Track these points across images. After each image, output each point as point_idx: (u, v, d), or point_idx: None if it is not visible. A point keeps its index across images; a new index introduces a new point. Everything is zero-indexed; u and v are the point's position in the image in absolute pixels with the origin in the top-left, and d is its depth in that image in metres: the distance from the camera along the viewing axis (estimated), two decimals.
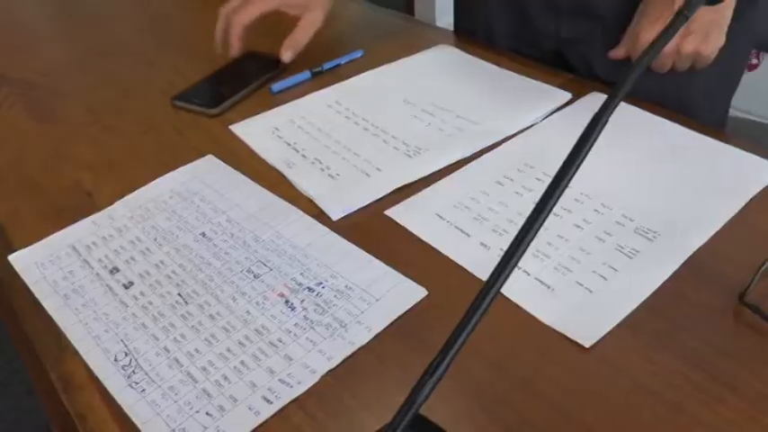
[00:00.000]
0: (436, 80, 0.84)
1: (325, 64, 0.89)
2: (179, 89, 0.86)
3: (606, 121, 0.32)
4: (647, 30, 0.75)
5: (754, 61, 2.14)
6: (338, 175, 0.69)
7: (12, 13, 1.25)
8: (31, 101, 0.90)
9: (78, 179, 0.72)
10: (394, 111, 0.79)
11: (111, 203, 0.67)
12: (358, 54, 0.92)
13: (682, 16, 0.34)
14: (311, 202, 0.65)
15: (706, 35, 0.73)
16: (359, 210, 0.64)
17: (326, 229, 0.61)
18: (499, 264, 0.31)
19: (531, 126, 0.73)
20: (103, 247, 0.62)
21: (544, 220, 0.32)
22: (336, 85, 0.85)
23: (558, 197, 0.31)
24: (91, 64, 0.99)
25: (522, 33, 0.91)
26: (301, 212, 0.64)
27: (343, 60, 0.90)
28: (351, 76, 0.87)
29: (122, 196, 0.68)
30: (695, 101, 0.84)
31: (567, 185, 0.31)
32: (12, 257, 0.61)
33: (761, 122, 1.40)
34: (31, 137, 0.81)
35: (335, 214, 0.63)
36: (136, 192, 0.69)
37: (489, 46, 0.93)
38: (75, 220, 0.65)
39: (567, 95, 0.78)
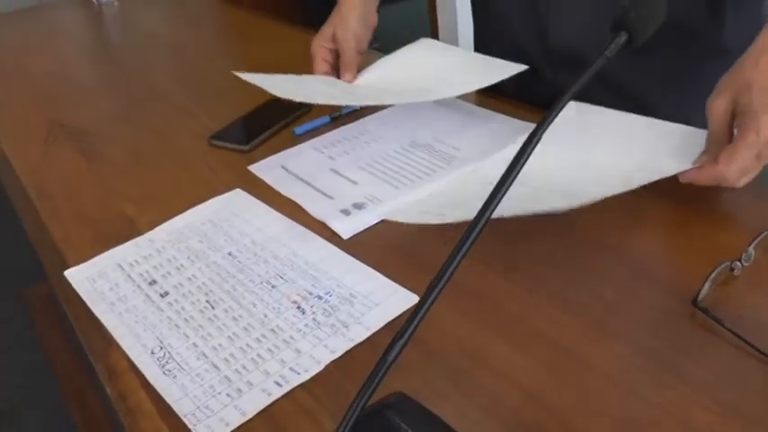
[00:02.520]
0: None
1: (343, 108, 1.00)
2: (211, 132, 0.97)
3: (539, 140, 0.41)
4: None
5: None
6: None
7: (70, 68, 1.39)
8: (84, 145, 1.01)
9: (122, 209, 0.83)
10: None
11: (151, 229, 0.77)
12: None
13: (602, 57, 0.42)
14: (324, 225, 0.74)
15: None
16: (365, 230, 0.73)
17: (336, 248, 0.70)
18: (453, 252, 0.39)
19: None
20: (144, 264, 0.71)
21: (488, 219, 0.40)
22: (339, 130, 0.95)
23: (499, 201, 0.40)
24: (134, 111, 1.11)
25: (526, 80, 0.99)
26: (315, 234, 0.73)
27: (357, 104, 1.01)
28: (368, 117, 0.97)
29: (161, 223, 0.78)
30: None
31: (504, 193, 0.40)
32: (67, 273, 0.71)
33: None
34: (83, 175, 0.93)
35: (345, 233, 0.72)
36: (173, 219, 0.79)
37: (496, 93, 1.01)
38: (119, 243, 0.75)
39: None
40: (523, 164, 0.40)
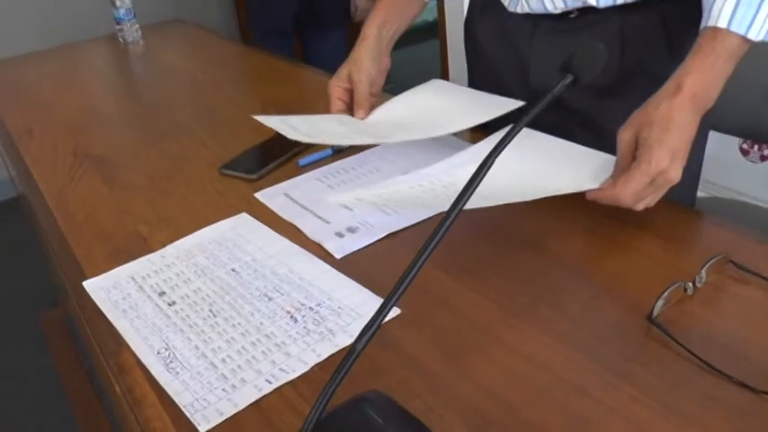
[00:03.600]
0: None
1: None
2: (222, 161, 1.05)
3: (492, 163, 0.48)
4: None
5: (766, 152, 2.26)
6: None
7: (96, 102, 1.49)
8: (104, 171, 1.10)
9: (138, 229, 0.90)
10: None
11: (162, 247, 0.85)
12: None
13: (550, 94, 0.50)
14: (320, 246, 0.81)
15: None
16: (356, 251, 0.80)
17: (329, 266, 0.77)
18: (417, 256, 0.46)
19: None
20: (155, 277, 0.79)
21: (447, 229, 0.47)
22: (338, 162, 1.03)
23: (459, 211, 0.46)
24: (151, 142, 1.20)
25: (513, 117, 1.06)
26: (310, 254, 0.80)
27: None
28: (365, 150, 1.05)
29: (172, 242, 0.86)
30: None
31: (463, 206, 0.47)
32: (85, 283, 0.79)
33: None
34: (103, 198, 1.01)
35: (337, 253, 0.79)
36: (183, 239, 0.86)
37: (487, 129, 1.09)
38: (133, 259, 0.83)
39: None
40: (479, 182, 0.47)
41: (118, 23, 1.91)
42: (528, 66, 1.00)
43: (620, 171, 0.75)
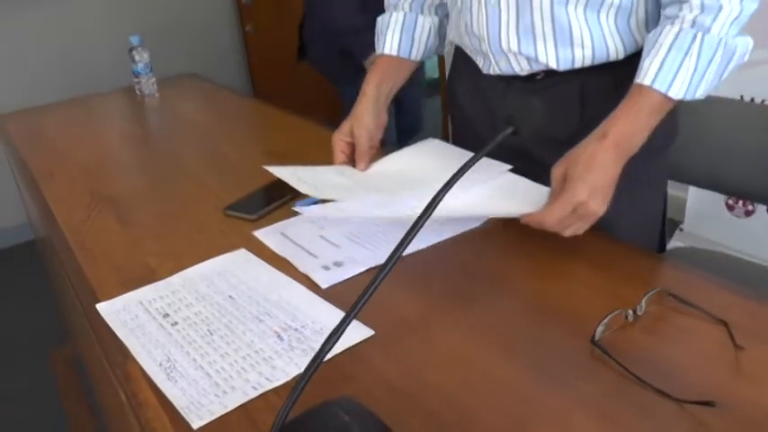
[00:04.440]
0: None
1: None
2: (226, 203, 1.15)
3: (442, 197, 0.58)
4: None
5: (750, 207, 2.35)
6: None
7: (112, 148, 1.61)
8: (118, 210, 1.20)
9: (146, 261, 1.00)
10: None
11: (168, 276, 0.95)
12: None
13: (492, 143, 0.60)
14: (308, 277, 0.91)
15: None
16: (340, 282, 0.89)
17: (315, 295, 0.87)
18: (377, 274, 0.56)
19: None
20: (160, 302, 0.88)
21: (401, 254, 0.57)
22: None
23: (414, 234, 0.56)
24: (162, 185, 1.31)
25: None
26: (299, 284, 0.89)
27: None
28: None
29: (177, 272, 0.95)
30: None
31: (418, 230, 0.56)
32: (98, 306, 0.88)
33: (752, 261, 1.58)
34: (116, 234, 1.11)
35: (323, 284, 0.88)
36: (187, 270, 0.96)
37: None
38: (141, 286, 0.93)
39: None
40: (432, 210, 0.57)
41: (136, 77, 2.05)
42: (495, 115, 1.12)
43: (551, 201, 0.88)
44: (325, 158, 1.21)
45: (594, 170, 0.85)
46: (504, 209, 0.95)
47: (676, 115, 1.06)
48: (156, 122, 1.93)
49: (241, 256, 0.99)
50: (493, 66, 1.07)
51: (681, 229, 2.57)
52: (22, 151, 1.64)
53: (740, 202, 2.37)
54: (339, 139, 1.19)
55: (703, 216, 2.50)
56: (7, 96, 3.03)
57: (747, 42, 0.90)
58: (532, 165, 1.03)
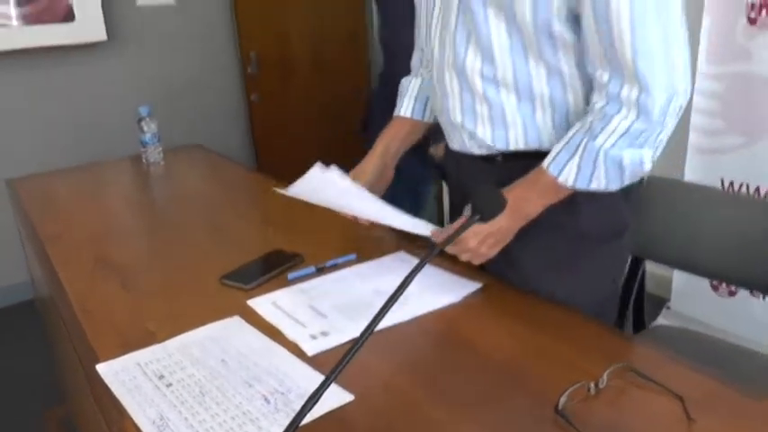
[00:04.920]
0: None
1: (327, 262, 1.25)
2: (223, 272, 1.22)
3: (410, 282, 0.65)
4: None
5: (733, 288, 2.42)
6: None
7: (117, 214, 1.69)
8: (121, 275, 1.27)
9: (146, 325, 1.07)
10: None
11: (166, 340, 1.01)
12: (352, 257, 1.27)
13: (462, 228, 0.67)
14: (294, 343, 0.97)
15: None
16: (326, 350, 0.95)
17: (301, 361, 0.93)
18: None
19: None
20: (156, 364, 0.94)
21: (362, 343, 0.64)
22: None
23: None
24: (164, 252, 1.39)
25: None
26: (287, 351, 0.96)
27: (340, 260, 1.26)
28: (343, 270, 1.22)
29: (174, 336, 1.02)
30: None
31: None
32: (98, 366, 0.94)
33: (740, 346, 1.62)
34: (118, 298, 1.18)
35: (309, 352, 0.95)
36: (183, 334, 1.02)
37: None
38: (140, 348, 0.99)
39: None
40: (398, 296, 0.64)
41: (143, 146, 2.15)
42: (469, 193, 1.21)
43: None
44: (322, 230, 1.28)
45: (487, 224, 0.97)
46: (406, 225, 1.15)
47: (622, 209, 1.13)
48: (161, 191, 2.02)
49: (235, 323, 1.06)
50: (452, 142, 1.18)
51: (668, 308, 2.63)
52: (31, 214, 1.72)
53: (724, 284, 2.43)
54: None
55: (689, 295, 2.56)
56: (18, 159, 3.14)
57: (639, 155, 0.98)
58: (501, 262, 1.11)
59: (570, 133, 1.01)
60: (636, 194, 1.15)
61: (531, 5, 0.98)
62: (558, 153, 1.01)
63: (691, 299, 2.55)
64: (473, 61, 1.08)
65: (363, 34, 4.07)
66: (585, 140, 0.99)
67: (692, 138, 2.34)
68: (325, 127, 3.96)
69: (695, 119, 2.32)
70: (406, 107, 1.34)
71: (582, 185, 1.01)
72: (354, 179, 1.26)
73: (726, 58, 2.19)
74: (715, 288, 2.47)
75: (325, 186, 1.19)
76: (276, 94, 3.83)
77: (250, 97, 3.77)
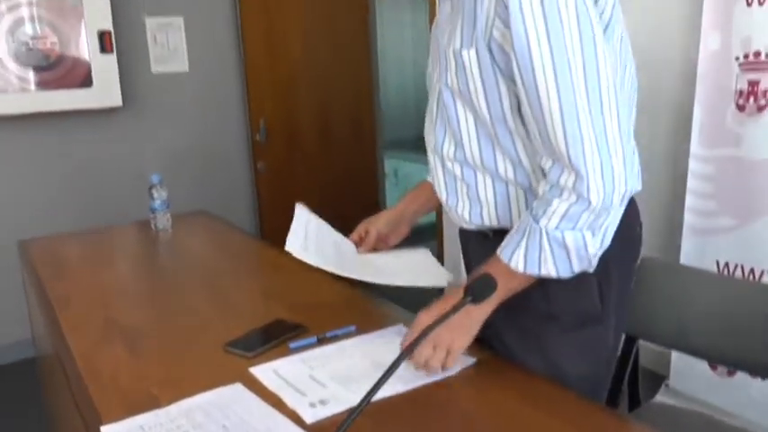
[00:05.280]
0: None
1: (328, 333, 1.29)
2: (227, 338, 1.26)
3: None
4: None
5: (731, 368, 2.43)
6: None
7: (125, 278, 1.74)
8: (129, 341, 1.31)
9: (150, 389, 1.10)
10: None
11: (169, 404, 1.04)
12: (352, 328, 1.31)
13: (454, 309, 0.72)
14: (294, 411, 1.01)
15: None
16: (324, 418, 0.99)
17: (300, 429, 0.96)
18: None
19: None
20: (159, 429, 0.97)
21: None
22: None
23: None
24: (169, 318, 1.43)
25: None
26: (287, 418, 0.99)
27: (340, 332, 1.30)
28: (342, 341, 1.26)
29: (178, 401, 1.05)
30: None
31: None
32: (102, 429, 0.97)
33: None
34: (124, 361, 1.22)
35: (308, 419, 0.98)
36: (186, 399, 1.06)
37: None
38: (144, 411, 1.02)
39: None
40: (391, 374, 0.68)
41: (152, 212, 2.22)
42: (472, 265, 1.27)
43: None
44: (321, 301, 1.33)
45: (445, 328, 0.99)
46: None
47: (593, 296, 1.15)
48: (168, 256, 2.07)
49: (236, 390, 1.09)
50: (451, 217, 1.25)
51: (667, 385, 2.63)
52: (41, 276, 1.77)
53: None
54: (363, 224, 1.46)
55: (688, 374, 2.56)
56: (31, 220, 3.21)
57: (582, 239, 1.01)
58: (487, 331, 1.13)
59: (521, 220, 1.07)
60: (627, 275, 1.20)
61: (484, 98, 1.07)
62: (509, 240, 1.06)
63: (689, 377, 2.55)
64: (448, 147, 1.17)
65: (370, 111, 4.20)
66: (531, 223, 1.03)
67: (688, 218, 2.40)
68: (329, 199, 4.03)
69: (690, 200, 2.38)
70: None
71: (532, 271, 1.04)
72: (368, 225, 1.40)
73: (717, 142, 2.27)
74: (713, 367, 2.48)
75: (322, 240, 1.29)
76: (282, 163, 3.92)
77: (257, 165, 3.86)
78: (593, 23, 0.96)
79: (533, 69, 0.96)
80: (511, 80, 1.03)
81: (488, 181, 1.14)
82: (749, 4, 2.12)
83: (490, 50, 1.03)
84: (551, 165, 1.02)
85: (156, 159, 3.54)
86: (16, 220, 3.20)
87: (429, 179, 1.41)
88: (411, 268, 1.41)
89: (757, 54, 2.12)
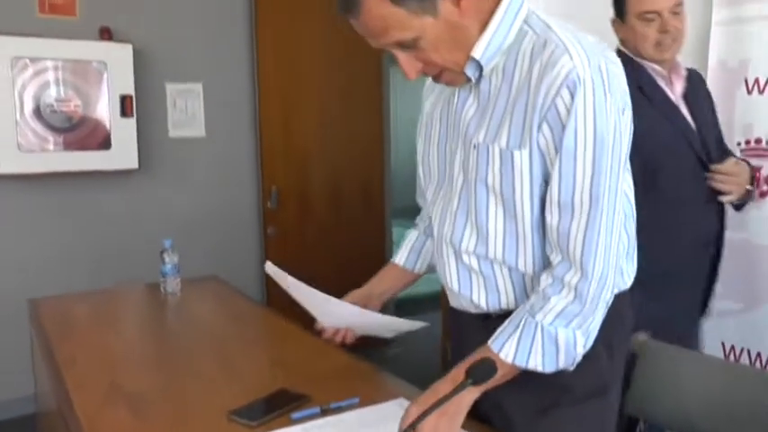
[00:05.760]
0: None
1: (331, 404, 1.30)
2: (231, 405, 1.27)
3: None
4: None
5: None
6: None
7: (132, 341, 1.76)
8: (134, 403, 1.33)
9: None
10: None
11: None
12: (355, 400, 1.32)
13: (459, 385, 0.74)
14: None
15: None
16: None
17: None
18: None
19: None
20: None
21: None
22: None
23: None
24: (175, 383, 1.44)
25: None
26: None
27: (343, 404, 1.31)
28: (346, 413, 1.27)
29: None
30: None
31: None
32: None
33: None
34: (128, 425, 1.23)
35: None
36: None
37: None
38: None
39: None
40: None
41: (163, 276, 2.24)
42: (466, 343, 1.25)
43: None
44: (327, 370, 1.34)
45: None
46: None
47: (603, 368, 1.17)
48: (176, 321, 2.09)
49: None
50: (451, 300, 1.26)
51: None
52: (50, 335, 1.79)
53: None
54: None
55: None
56: (41, 277, 3.24)
57: (573, 337, 1.05)
58: (486, 403, 1.14)
59: (514, 313, 1.10)
60: (623, 355, 1.22)
61: (529, 200, 1.08)
62: (501, 331, 1.08)
63: None
64: (468, 241, 1.16)
65: (380, 180, 4.27)
66: (526, 317, 1.07)
67: None
68: (337, 265, 4.05)
69: None
70: (401, 256, 1.46)
71: (521, 362, 1.06)
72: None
73: None
74: None
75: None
76: (292, 229, 3.96)
77: (266, 230, 3.90)
78: (623, 155, 1.06)
79: (574, 186, 1.03)
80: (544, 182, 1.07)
81: (506, 272, 1.16)
82: (749, 92, 2.18)
83: (541, 153, 1.05)
84: (560, 260, 1.07)
85: (169, 221, 3.58)
86: (28, 276, 3.23)
87: (396, 261, 1.45)
88: (387, 323, 1.43)
89: (758, 141, 2.17)
